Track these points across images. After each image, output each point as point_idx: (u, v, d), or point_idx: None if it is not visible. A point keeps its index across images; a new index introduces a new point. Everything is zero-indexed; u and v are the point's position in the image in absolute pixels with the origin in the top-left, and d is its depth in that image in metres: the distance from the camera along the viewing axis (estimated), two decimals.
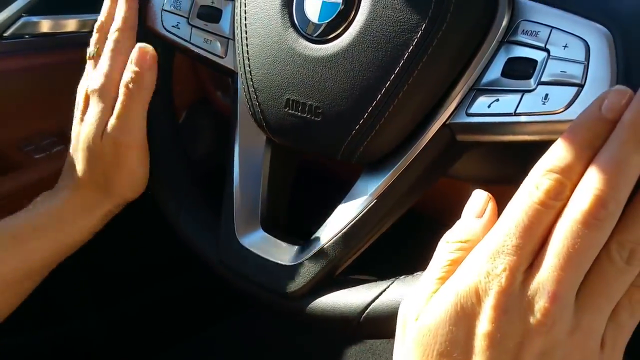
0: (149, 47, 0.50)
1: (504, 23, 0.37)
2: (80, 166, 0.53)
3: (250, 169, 0.47)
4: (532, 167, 0.49)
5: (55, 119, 0.77)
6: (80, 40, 0.74)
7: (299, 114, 0.42)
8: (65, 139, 0.76)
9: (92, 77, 0.52)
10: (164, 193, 0.51)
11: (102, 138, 0.51)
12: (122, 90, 0.50)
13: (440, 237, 0.31)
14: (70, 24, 0.72)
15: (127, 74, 0.50)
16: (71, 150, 0.55)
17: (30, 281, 0.52)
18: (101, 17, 0.54)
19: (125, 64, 0.50)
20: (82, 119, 0.53)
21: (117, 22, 0.52)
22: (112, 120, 0.50)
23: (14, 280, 0.51)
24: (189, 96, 0.88)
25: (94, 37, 0.54)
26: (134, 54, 0.50)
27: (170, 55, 0.53)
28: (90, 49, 0.54)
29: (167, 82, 0.54)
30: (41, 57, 0.73)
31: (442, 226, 0.37)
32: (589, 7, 0.34)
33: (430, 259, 0.31)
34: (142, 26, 0.52)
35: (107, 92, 0.50)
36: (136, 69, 0.49)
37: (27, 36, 0.71)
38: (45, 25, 0.71)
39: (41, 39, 0.72)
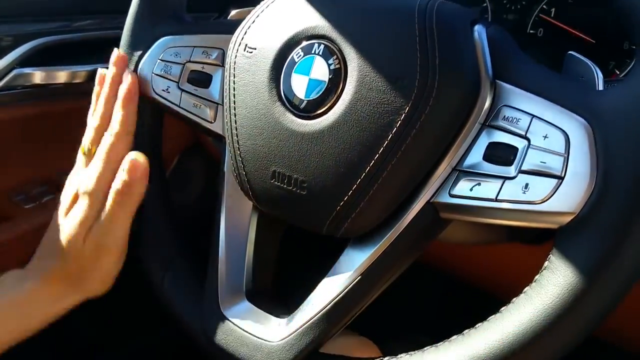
0: (141, 158, 0.49)
1: (486, 106, 0.37)
2: (55, 260, 0.52)
3: (236, 236, 0.47)
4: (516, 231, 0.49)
5: (45, 167, 0.77)
6: (71, 90, 0.76)
7: (285, 186, 0.42)
8: (56, 188, 0.77)
9: (83, 177, 0.51)
10: (149, 258, 0.51)
11: (85, 239, 0.50)
12: (111, 196, 0.49)
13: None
14: (62, 76, 0.73)
15: (118, 182, 0.49)
16: (48, 239, 0.54)
17: None
18: (96, 118, 0.53)
19: (117, 169, 0.50)
20: (66, 213, 0.53)
21: (114, 126, 0.51)
22: (97, 224, 0.50)
23: None
24: (181, 141, 0.89)
25: (89, 134, 0.53)
26: (125, 163, 0.49)
27: (159, 116, 0.54)
28: (85, 144, 0.53)
29: (157, 145, 0.54)
30: (32, 107, 0.74)
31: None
32: (569, 98, 0.34)
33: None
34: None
35: (96, 196, 0.50)
36: (127, 178, 0.48)
37: (19, 87, 0.71)
38: (38, 76, 0.71)
39: (33, 90, 0.72)
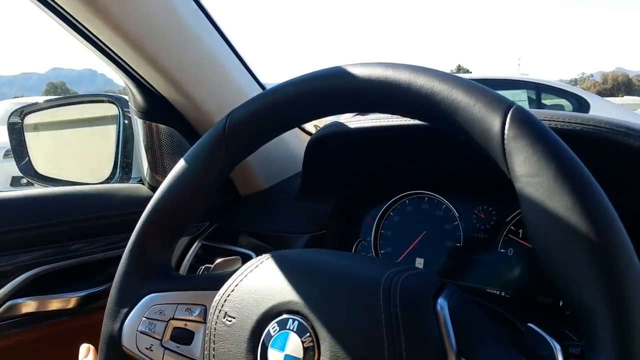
0: None
1: None
2: None
3: None
4: None
5: None
6: (62, 314, 0.77)
7: None
8: None
9: None
10: None
11: None
12: None
13: None
14: (55, 303, 0.75)
15: None
16: None
17: None
18: None
19: None
20: None
21: None
22: None
23: None
24: None
25: None
26: None
27: None
28: None
29: None
30: (24, 334, 0.75)
31: None
32: None
33: None
34: (119, 345, 0.53)
35: None
36: None
37: (12, 318, 0.73)
38: (31, 306, 0.73)
39: (23, 318, 0.74)
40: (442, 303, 0.41)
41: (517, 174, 0.38)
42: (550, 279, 0.37)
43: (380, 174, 0.77)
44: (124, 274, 0.55)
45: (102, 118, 0.98)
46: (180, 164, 0.54)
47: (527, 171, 0.37)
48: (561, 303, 0.61)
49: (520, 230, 0.66)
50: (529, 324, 0.42)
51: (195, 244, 0.91)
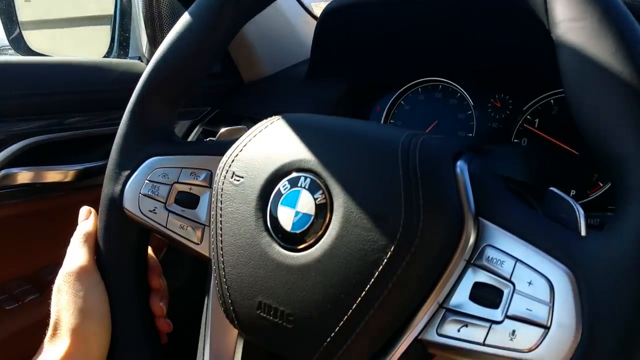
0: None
1: (471, 242, 0.37)
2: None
3: None
4: None
5: (30, 265, 0.76)
6: (60, 188, 0.76)
7: (271, 318, 0.41)
8: (41, 286, 0.76)
9: None
10: None
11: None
12: None
13: None
14: (51, 175, 0.73)
15: None
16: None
17: None
18: None
19: None
20: None
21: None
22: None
23: None
24: None
25: None
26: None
27: (146, 236, 0.53)
28: None
29: (142, 266, 0.53)
30: (19, 205, 0.74)
31: None
32: (553, 244, 0.34)
33: None
34: (120, 207, 0.52)
35: None
36: None
37: (7, 188, 0.71)
38: (26, 176, 0.71)
39: (20, 189, 0.72)
40: (461, 165, 0.39)
41: (557, 20, 0.35)
42: (583, 131, 0.35)
43: (393, 59, 0.73)
44: (124, 135, 0.53)
45: None
46: (185, 18, 0.50)
47: (570, 15, 0.35)
48: (573, 192, 0.60)
49: (537, 120, 0.64)
50: (551, 188, 0.40)
51: (196, 129, 0.89)
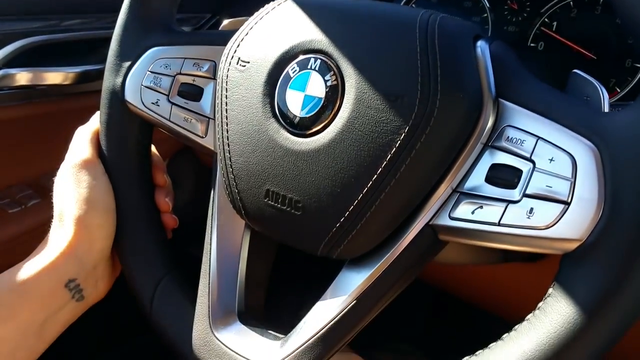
0: None
1: (489, 125, 0.36)
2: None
3: (227, 254, 0.45)
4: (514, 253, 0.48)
5: (31, 170, 0.75)
6: (59, 91, 0.74)
7: (279, 206, 0.41)
8: (43, 191, 0.75)
9: None
10: (135, 277, 0.49)
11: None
12: None
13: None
14: (51, 77, 0.71)
15: None
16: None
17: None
18: None
19: None
20: None
21: None
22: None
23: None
24: (171, 145, 0.87)
25: None
26: None
27: (148, 130, 0.52)
28: None
29: (145, 159, 0.52)
30: (18, 108, 0.72)
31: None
32: (577, 120, 0.33)
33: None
34: (121, 101, 0.50)
35: None
36: None
37: (5, 89, 0.69)
38: (25, 77, 0.69)
39: (20, 91, 0.70)
40: (482, 46, 0.37)
41: None
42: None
43: None
44: (124, 25, 0.50)
45: None
46: None
47: None
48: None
49: (555, 23, 0.61)
50: (574, 70, 0.38)
51: None
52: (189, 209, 0.88)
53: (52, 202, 0.51)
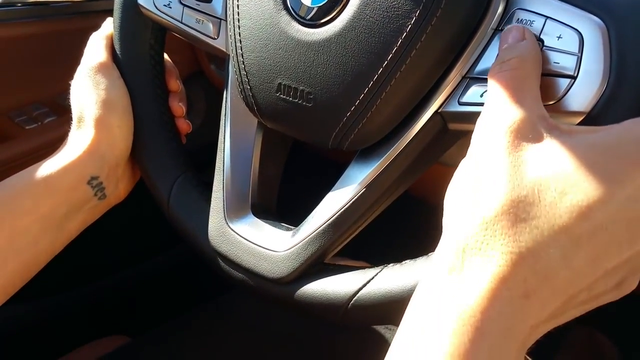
0: None
1: (499, 10, 0.36)
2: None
3: (240, 152, 0.47)
4: None
5: (47, 89, 0.76)
6: (74, 9, 0.74)
7: (291, 99, 0.41)
8: (59, 110, 0.76)
9: None
10: (152, 176, 0.51)
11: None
12: None
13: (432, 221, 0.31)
14: None
15: None
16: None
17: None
18: None
19: None
20: None
21: None
22: None
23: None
24: (183, 69, 0.87)
25: None
26: None
27: (162, 35, 0.52)
28: None
29: (159, 66, 0.53)
30: (33, 25, 0.72)
31: (432, 209, 0.38)
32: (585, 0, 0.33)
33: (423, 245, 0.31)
34: (134, 4, 0.50)
35: None
36: None
37: (19, 4, 0.70)
38: None
39: (34, 7, 0.71)
40: None
41: None
42: None
43: None
44: None
45: None
46: None
47: None
48: None
49: None
50: None
51: None
52: (202, 132, 0.89)
53: (68, 119, 0.52)
